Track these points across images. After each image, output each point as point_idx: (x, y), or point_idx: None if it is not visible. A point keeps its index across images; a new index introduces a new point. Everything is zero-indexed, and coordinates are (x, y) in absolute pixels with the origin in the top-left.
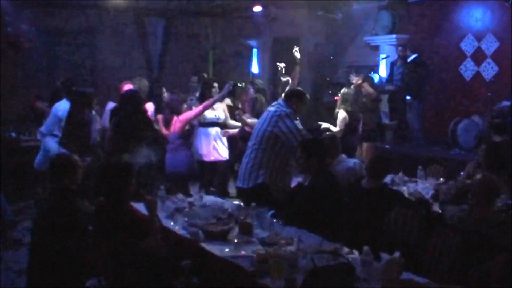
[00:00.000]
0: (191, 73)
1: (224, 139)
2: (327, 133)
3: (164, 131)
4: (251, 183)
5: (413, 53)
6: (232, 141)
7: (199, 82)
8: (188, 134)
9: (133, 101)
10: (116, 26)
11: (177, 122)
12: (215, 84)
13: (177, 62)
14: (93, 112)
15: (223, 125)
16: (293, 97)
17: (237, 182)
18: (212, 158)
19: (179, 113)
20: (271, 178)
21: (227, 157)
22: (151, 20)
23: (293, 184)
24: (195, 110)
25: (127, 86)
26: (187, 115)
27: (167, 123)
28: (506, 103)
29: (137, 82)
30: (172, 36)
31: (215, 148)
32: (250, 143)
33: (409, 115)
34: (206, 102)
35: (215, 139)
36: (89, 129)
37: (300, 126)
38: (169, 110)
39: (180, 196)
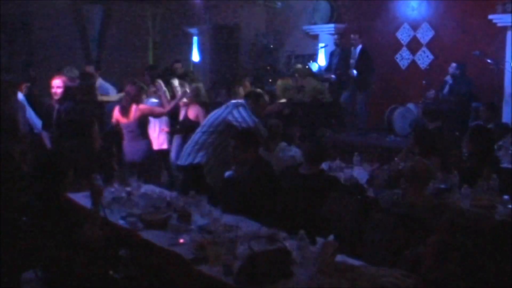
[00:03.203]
0: (129, 60)
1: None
2: (272, 119)
3: (121, 119)
4: (188, 162)
5: (359, 44)
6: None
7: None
8: (146, 123)
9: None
10: (53, 12)
11: (137, 111)
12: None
13: (116, 49)
14: (21, 99)
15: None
16: (250, 97)
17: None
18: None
19: (138, 102)
20: (208, 162)
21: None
22: (88, 6)
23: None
24: (159, 109)
25: (59, 79)
26: (149, 109)
27: (125, 112)
28: (433, 91)
29: (67, 73)
30: (110, 23)
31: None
32: (198, 129)
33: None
34: (169, 107)
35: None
36: (15, 118)
37: (255, 118)
38: (129, 98)
39: (116, 185)
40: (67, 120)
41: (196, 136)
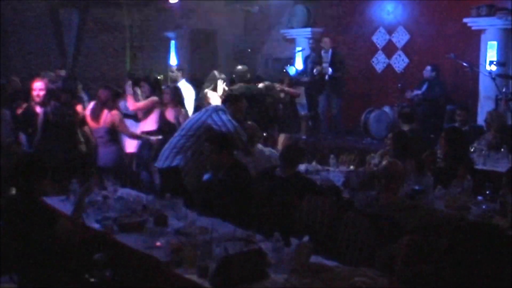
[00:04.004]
0: (107, 64)
1: None
2: (249, 122)
3: (91, 124)
4: (165, 164)
5: (330, 47)
6: None
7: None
8: (116, 129)
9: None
10: (29, 17)
11: (108, 117)
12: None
13: (93, 53)
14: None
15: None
16: (227, 101)
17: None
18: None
19: (111, 107)
20: (186, 165)
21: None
22: (65, 11)
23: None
24: (126, 128)
25: (41, 82)
26: (119, 120)
27: (96, 116)
28: (415, 91)
29: (46, 76)
30: (87, 27)
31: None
32: (177, 132)
33: (331, 108)
34: (138, 135)
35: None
36: None
37: (235, 122)
38: (99, 103)
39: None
40: (55, 122)
41: (174, 139)
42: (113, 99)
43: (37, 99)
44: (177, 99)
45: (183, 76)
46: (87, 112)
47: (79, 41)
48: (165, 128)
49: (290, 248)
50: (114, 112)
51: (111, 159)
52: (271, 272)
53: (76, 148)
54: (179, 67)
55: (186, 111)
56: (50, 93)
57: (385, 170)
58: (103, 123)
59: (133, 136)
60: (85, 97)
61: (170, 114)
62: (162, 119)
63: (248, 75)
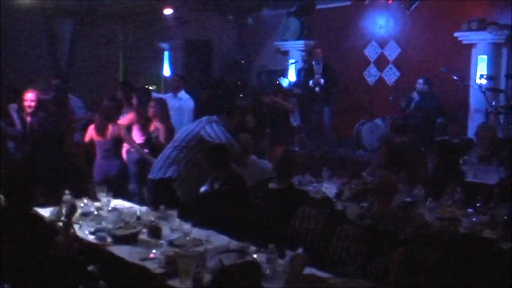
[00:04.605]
0: (100, 75)
1: None
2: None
3: (96, 137)
4: (159, 176)
5: (322, 59)
6: None
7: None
8: (120, 142)
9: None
10: (22, 26)
11: (115, 130)
12: None
13: (86, 64)
14: None
15: None
16: (222, 113)
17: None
18: None
19: (115, 120)
20: (179, 176)
21: None
22: (59, 21)
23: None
24: (132, 140)
25: (32, 93)
26: (125, 134)
27: (101, 130)
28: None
29: (39, 86)
30: (81, 38)
31: None
32: (170, 144)
33: (323, 120)
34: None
35: None
36: None
37: (227, 134)
38: (104, 117)
39: (86, 200)
40: (40, 131)
41: (167, 150)
42: (118, 110)
43: (28, 110)
44: (163, 113)
45: (183, 86)
46: (91, 126)
47: (73, 51)
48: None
49: (285, 259)
50: (120, 124)
51: (114, 172)
52: (265, 283)
53: (65, 159)
54: (180, 76)
55: (171, 126)
56: (40, 104)
57: (378, 183)
58: (110, 136)
59: (137, 148)
60: (79, 104)
61: (153, 128)
62: (146, 132)
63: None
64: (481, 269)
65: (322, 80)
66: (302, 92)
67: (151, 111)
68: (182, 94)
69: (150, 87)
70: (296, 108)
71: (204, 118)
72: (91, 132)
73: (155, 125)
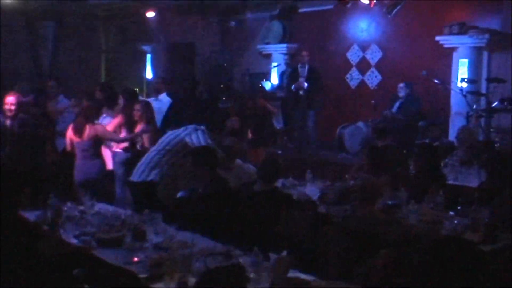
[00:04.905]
0: (83, 77)
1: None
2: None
3: (74, 138)
4: (141, 178)
5: (307, 62)
6: None
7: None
8: (99, 143)
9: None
10: (4, 28)
11: (92, 130)
12: None
13: (69, 65)
14: None
15: None
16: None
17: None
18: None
19: (92, 121)
20: (162, 180)
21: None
22: (42, 23)
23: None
24: (113, 135)
25: (12, 96)
26: (103, 131)
27: (79, 130)
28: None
29: (19, 89)
30: (63, 39)
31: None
32: (154, 147)
33: (307, 123)
34: (128, 136)
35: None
36: None
37: (211, 143)
38: (83, 117)
39: (70, 204)
40: (20, 134)
41: (151, 154)
42: (97, 111)
43: (9, 113)
44: (148, 116)
45: (165, 89)
46: (70, 126)
47: (55, 54)
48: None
49: (269, 262)
50: (98, 125)
51: (95, 173)
52: (250, 286)
53: (45, 161)
54: (163, 79)
55: (156, 128)
56: (20, 107)
57: (361, 186)
58: (87, 137)
59: (123, 140)
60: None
61: (138, 130)
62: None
63: None
64: (463, 271)
65: (305, 84)
66: (285, 95)
67: (137, 114)
68: (163, 96)
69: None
70: (278, 111)
71: (191, 126)
72: (69, 133)
73: (141, 127)
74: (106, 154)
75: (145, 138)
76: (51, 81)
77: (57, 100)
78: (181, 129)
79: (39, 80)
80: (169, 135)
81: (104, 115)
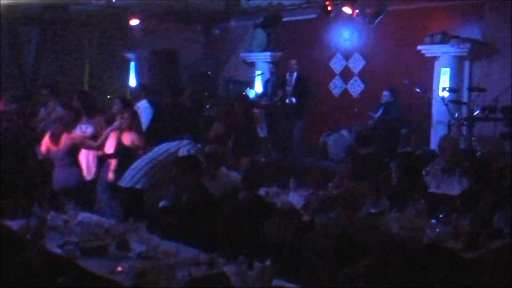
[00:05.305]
0: (66, 84)
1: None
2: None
3: (51, 146)
4: (129, 184)
5: (296, 70)
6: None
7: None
8: (76, 151)
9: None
10: None
11: (68, 139)
12: None
13: (52, 72)
14: None
15: None
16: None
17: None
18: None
19: (70, 129)
20: (149, 189)
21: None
22: (24, 29)
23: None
24: (90, 142)
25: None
26: (80, 139)
27: (56, 139)
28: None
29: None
30: (46, 46)
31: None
32: (145, 155)
33: (292, 132)
34: (103, 138)
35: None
36: None
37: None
38: (61, 125)
39: (53, 213)
40: (3, 142)
41: (142, 162)
42: (75, 119)
43: None
44: (135, 124)
45: (145, 96)
46: (47, 135)
47: (38, 59)
48: (122, 151)
49: (253, 271)
50: (74, 134)
51: (72, 181)
52: None
53: (27, 169)
54: (142, 86)
55: (143, 136)
56: (3, 115)
57: (345, 194)
58: (63, 145)
59: (100, 146)
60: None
61: (126, 138)
62: (118, 143)
63: None
64: (445, 279)
65: (293, 99)
66: (269, 103)
67: (126, 122)
68: (142, 103)
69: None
70: (262, 120)
71: (185, 141)
72: (46, 141)
73: (130, 136)
74: (90, 159)
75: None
76: (44, 89)
77: (50, 109)
78: (175, 142)
79: (22, 86)
80: (163, 147)
81: (84, 123)
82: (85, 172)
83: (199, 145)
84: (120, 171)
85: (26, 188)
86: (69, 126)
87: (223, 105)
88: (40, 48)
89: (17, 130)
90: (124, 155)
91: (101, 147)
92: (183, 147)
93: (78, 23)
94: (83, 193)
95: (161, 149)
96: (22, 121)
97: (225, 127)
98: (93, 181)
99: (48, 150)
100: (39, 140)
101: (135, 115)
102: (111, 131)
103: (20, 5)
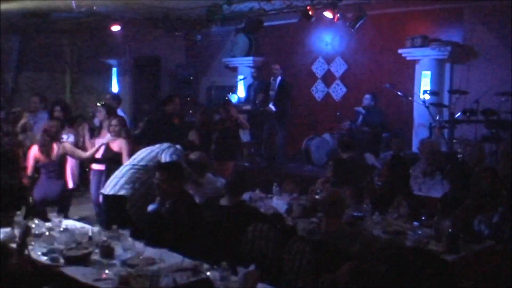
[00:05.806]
0: (48, 91)
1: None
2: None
3: (41, 158)
4: (112, 192)
5: (279, 75)
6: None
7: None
8: (65, 162)
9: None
10: None
11: (60, 149)
12: None
13: (33, 80)
14: None
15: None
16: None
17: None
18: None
19: (58, 139)
20: (133, 195)
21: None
22: (5, 37)
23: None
24: (81, 152)
25: None
26: (72, 150)
27: (46, 150)
28: (347, 122)
29: None
30: (27, 53)
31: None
32: (128, 162)
33: (276, 137)
34: (93, 150)
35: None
36: None
37: (183, 163)
38: (49, 136)
39: (37, 221)
40: None
41: (124, 168)
42: (59, 129)
43: None
44: (124, 130)
45: (118, 105)
46: (34, 147)
47: (19, 67)
48: (110, 158)
49: (237, 276)
50: (65, 144)
51: (56, 192)
52: None
53: (15, 179)
54: (114, 97)
55: (131, 142)
56: None
57: (327, 199)
58: (55, 157)
59: (89, 155)
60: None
61: (115, 145)
62: (107, 149)
63: None
64: (427, 281)
65: (273, 108)
66: (252, 108)
67: (115, 129)
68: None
69: (98, 104)
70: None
71: (166, 144)
72: (35, 153)
73: (118, 142)
74: (73, 167)
75: (125, 152)
76: (34, 97)
77: (39, 117)
78: (156, 146)
79: (3, 94)
80: (144, 151)
81: (65, 133)
82: (68, 179)
83: (178, 146)
84: (108, 176)
85: (10, 197)
86: (56, 136)
87: (201, 114)
88: (20, 56)
89: (5, 139)
90: (113, 161)
91: (90, 157)
92: (165, 151)
93: (60, 30)
94: (64, 201)
95: (142, 153)
96: (6, 129)
97: (201, 135)
98: (75, 189)
99: (37, 161)
100: (23, 149)
101: (123, 122)
102: (105, 144)
103: (1, 12)
